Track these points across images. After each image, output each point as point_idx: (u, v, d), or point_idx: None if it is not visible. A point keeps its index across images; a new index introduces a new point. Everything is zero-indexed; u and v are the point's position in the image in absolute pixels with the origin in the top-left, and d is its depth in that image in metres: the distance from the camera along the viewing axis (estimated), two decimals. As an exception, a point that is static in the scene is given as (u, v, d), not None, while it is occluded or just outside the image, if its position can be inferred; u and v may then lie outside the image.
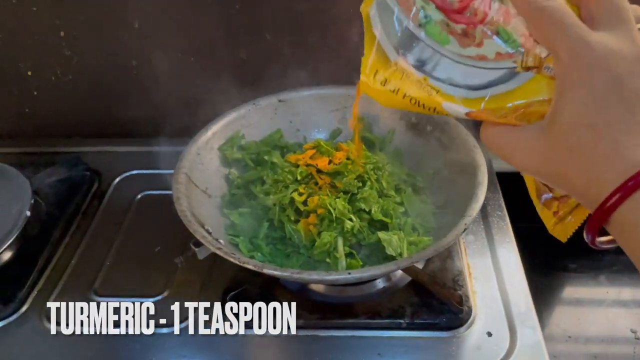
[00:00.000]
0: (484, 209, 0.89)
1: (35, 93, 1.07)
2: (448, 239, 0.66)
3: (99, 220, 0.92)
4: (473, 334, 0.71)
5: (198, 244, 0.69)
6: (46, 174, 0.94)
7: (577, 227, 0.42)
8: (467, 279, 0.78)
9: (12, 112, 1.11)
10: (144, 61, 1.03)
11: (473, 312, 0.73)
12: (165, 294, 0.79)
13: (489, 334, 0.71)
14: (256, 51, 1.01)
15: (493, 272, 0.79)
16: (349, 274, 0.62)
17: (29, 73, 1.05)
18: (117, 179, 1.00)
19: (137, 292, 0.79)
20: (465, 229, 0.67)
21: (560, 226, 0.43)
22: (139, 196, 0.97)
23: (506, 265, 0.80)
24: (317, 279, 0.63)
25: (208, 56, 1.02)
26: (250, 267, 0.63)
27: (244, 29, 0.99)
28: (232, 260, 0.64)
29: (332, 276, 0.62)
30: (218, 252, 0.65)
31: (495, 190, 0.92)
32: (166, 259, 0.81)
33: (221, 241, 0.70)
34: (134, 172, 1.01)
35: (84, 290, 0.80)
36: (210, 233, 0.71)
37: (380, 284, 0.77)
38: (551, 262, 1.08)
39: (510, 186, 0.94)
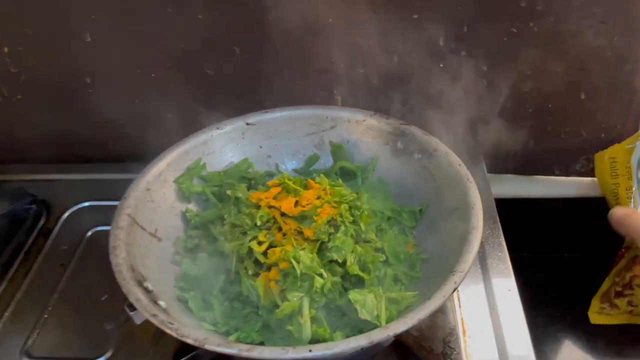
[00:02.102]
0: (481, 249, 0.77)
1: (-20, 114, 0.96)
2: (434, 303, 0.54)
3: (42, 261, 0.82)
4: (466, 412, 0.59)
5: (133, 307, 0.57)
6: (-15, 209, 0.83)
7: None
8: (461, 338, 0.66)
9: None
10: (98, 78, 0.92)
11: (467, 382, 0.62)
12: (109, 354, 0.68)
13: (486, 412, 0.59)
14: (224, 66, 0.90)
15: (491, 327, 0.67)
16: (310, 350, 0.50)
17: (-28, 92, 0.94)
18: (67, 213, 0.89)
19: (76, 353, 0.69)
20: (455, 289, 0.55)
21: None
22: (90, 233, 0.86)
23: (507, 320, 0.68)
24: (271, 357, 0.51)
25: (171, 71, 0.91)
26: (189, 341, 0.52)
27: (210, 42, 0.88)
28: (168, 331, 0.53)
29: (290, 354, 0.50)
30: (152, 319, 0.54)
31: (494, 227, 0.80)
32: (112, 310, 0.70)
33: (161, 303, 0.58)
34: (87, 204, 0.90)
35: (14, 350, 0.69)
36: (150, 291, 0.59)
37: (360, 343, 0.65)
38: (551, 294, 0.96)
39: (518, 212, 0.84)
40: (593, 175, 0.93)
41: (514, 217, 0.83)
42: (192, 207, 0.76)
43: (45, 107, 0.95)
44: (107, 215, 0.85)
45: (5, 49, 0.89)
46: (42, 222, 0.87)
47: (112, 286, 0.74)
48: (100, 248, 0.83)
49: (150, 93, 0.92)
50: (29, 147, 0.98)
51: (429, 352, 0.61)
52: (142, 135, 0.84)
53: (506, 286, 0.72)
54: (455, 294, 0.71)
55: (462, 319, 0.68)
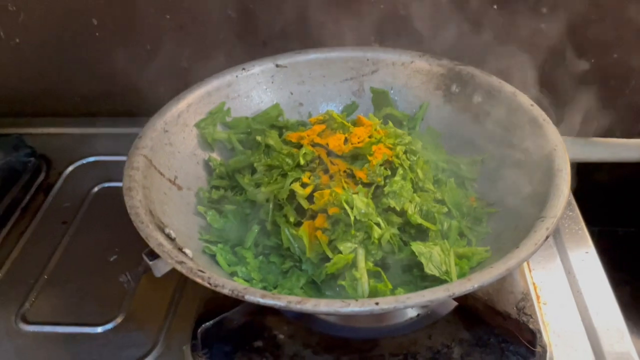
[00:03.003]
0: (548, 208, 0.67)
1: (-26, 60, 0.86)
2: (524, 252, 0.44)
3: (41, 219, 0.73)
4: (552, 388, 0.49)
5: (153, 255, 0.47)
6: (-24, 160, 0.73)
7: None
8: (536, 304, 0.56)
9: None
10: (107, 19, 0.82)
11: (548, 354, 0.52)
12: (119, 320, 0.59)
13: (575, 387, 0.49)
14: (248, 7, 0.79)
15: (570, 293, 0.58)
16: (377, 304, 0.40)
17: (-34, 34, 0.84)
18: (70, 168, 0.80)
19: (80, 318, 0.60)
20: (548, 236, 0.45)
21: None
22: (96, 189, 0.77)
23: (587, 283, 0.58)
24: (329, 311, 0.41)
25: (189, 13, 0.81)
26: (225, 292, 0.42)
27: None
28: (199, 281, 0.43)
29: (351, 308, 0.40)
30: (179, 267, 0.44)
31: (561, 184, 0.70)
32: (123, 272, 0.59)
33: (187, 251, 0.48)
34: (92, 159, 0.82)
35: (9, 314, 0.60)
36: (173, 239, 0.49)
37: (412, 311, 0.56)
38: (618, 276, 0.87)
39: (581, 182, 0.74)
40: (659, 138, 0.83)
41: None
42: (216, 155, 0.67)
43: (46, 52, 0.85)
44: (115, 171, 0.77)
45: (4, -17, 0.79)
46: (41, 177, 0.79)
47: (122, 245, 0.67)
48: (107, 205, 0.75)
49: (166, 38, 0.83)
50: (28, 97, 0.89)
51: (504, 317, 0.51)
52: (154, 87, 0.75)
53: (582, 248, 0.62)
54: (522, 256, 0.61)
55: (533, 283, 0.58)
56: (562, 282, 0.59)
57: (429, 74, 0.70)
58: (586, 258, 0.61)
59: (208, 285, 0.43)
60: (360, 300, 0.41)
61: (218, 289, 0.42)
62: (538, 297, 0.57)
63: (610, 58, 0.81)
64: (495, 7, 0.78)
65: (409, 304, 0.41)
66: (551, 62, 0.80)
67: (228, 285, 0.42)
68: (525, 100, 0.61)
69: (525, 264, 0.61)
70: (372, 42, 0.82)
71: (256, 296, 0.41)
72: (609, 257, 0.89)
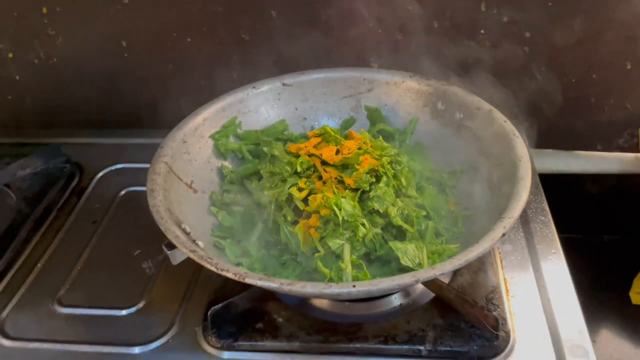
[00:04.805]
0: (524, 213, 0.74)
1: (17, 78, 0.96)
2: (482, 246, 0.52)
3: (75, 218, 0.82)
4: (512, 367, 0.57)
5: (171, 246, 0.56)
6: (19, 166, 0.83)
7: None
8: (504, 297, 0.63)
9: (-6, 100, 1.00)
10: (134, 41, 0.92)
11: (512, 339, 0.59)
12: (140, 305, 0.68)
13: (532, 368, 0.56)
14: (259, 30, 0.89)
15: (536, 289, 0.65)
16: (354, 286, 0.49)
17: (10, 55, 0.94)
18: (101, 173, 0.89)
19: (107, 303, 0.68)
20: (504, 234, 0.53)
21: None
22: (123, 192, 0.86)
23: (552, 281, 0.65)
24: (314, 293, 0.49)
25: (207, 36, 0.90)
26: (229, 275, 0.50)
27: (246, 4, 0.87)
28: (207, 266, 0.52)
29: (333, 289, 0.49)
30: (192, 255, 0.53)
31: (537, 192, 0.77)
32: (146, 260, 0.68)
33: (199, 243, 0.57)
34: (119, 166, 0.91)
35: (47, 298, 0.69)
36: (188, 233, 0.58)
37: (396, 300, 0.64)
38: (604, 280, 0.93)
39: (555, 191, 0.81)
40: (637, 151, 0.90)
41: (554, 195, 0.80)
42: (228, 164, 0.75)
43: (80, 71, 0.95)
44: (139, 177, 0.86)
45: (44, 10, 0.89)
46: (75, 182, 0.88)
47: (145, 243, 0.75)
48: (132, 207, 0.83)
49: (185, 58, 0.92)
50: (64, 111, 0.98)
51: (472, 305, 0.59)
52: (174, 102, 0.84)
53: (551, 249, 0.69)
54: (497, 255, 0.69)
55: (504, 278, 0.66)
56: (529, 279, 0.65)
57: (418, 93, 0.78)
58: (553, 258, 0.68)
59: (215, 270, 0.51)
60: (340, 284, 0.49)
61: (224, 273, 0.51)
62: (507, 291, 0.64)
63: (590, 78, 0.88)
64: (482, 32, 0.86)
65: (381, 287, 0.49)
66: (536, 82, 0.87)
67: (232, 270, 0.51)
68: (499, 116, 0.69)
69: (498, 262, 0.68)
70: (370, 62, 0.91)
71: (254, 279, 0.50)
72: (594, 262, 0.96)
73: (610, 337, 0.87)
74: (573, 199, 0.94)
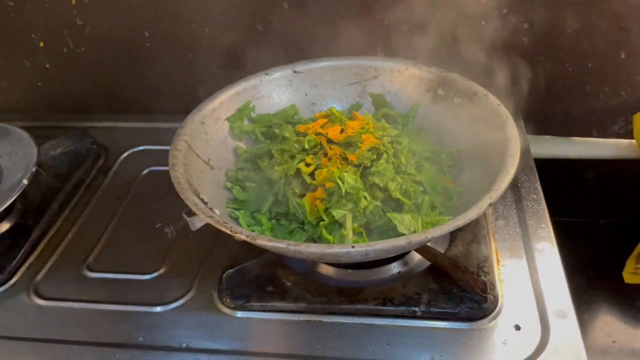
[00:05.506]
0: (517, 191, 0.79)
1: (47, 66, 1.03)
2: (470, 214, 0.57)
3: (101, 194, 0.88)
4: (498, 327, 0.62)
5: (191, 213, 0.62)
6: (51, 146, 0.90)
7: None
8: (494, 265, 0.69)
9: (25, 87, 1.07)
10: (156, 31, 0.98)
11: (499, 302, 0.64)
12: (162, 270, 0.74)
13: (517, 327, 0.62)
14: (272, 21, 0.94)
15: (525, 259, 0.70)
16: (352, 247, 0.54)
17: (41, 44, 1.01)
18: (124, 154, 0.96)
19: (131, 269, 0.75)
20: (490, 204, 0.58)
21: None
22: (145, 172, 0.92)
23: (540, 252, 0.70)
24: (317, 252, 0.55)
25: (223, 26, 0.96)
26: (242, 237, 0.57)
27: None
28: (223, 229, 0.58)
29: (334, 249, 0.55)
30: (209, 220, 0.59)
31: (531, 173, 0.82)
32: (166, 236, 0.75)
33: (216, 211, 0.63)
34: (142, 147, 0.97)
35: (77, 264, 0.76)
36: (205, 202, 0.64)
37: (395, 268, 0.69)
38: (595, 262, 0.97)
39: (552, 176, 0.85)
40: (631, 137, 0.94)
41: (551, 180, 0.85)
42: (242, 144, 0.81)
43: (105, 59, 1.02)
44: (160, 157, 0.92)
45: (73, 1, 0.96)
46: (101, 161, 0.94)
47: (166, 215, 0.82)
48: (154, 185, 0.90)
49: (204, 49, 0.98)
50: (91, 97, 1.05)
51: (463, 271, 0.64)
52: (192, 88, 0.90)
53: (540, 224, 0.74)
54: (490, 229, 0.74)
55: (496, 250, 0.71)
56: (519, 250, 0.70)
57: (421, 79, 0.82)
58: (543, 232, 0.73)
59: (230, 232, 0.57)
60: (340, 245, 0.55)
61: (237, 235, 0.57)
62: (498, 261, 0.70)
63: (586, 67, 0.93)
64: (483, 22, 0.90)
65: (377, 247, 0.55)
66: (534, 71, 0.92)
67: (245, 232, 0.57)
68: (494, 100, 0.74)
69: (491, 235, 0.73)
70: (378, 52, 0.96)
71: (264, 241, 0.56)
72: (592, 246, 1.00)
73: (602, 314, 0.92)
74: (570, 184, 0.99)
